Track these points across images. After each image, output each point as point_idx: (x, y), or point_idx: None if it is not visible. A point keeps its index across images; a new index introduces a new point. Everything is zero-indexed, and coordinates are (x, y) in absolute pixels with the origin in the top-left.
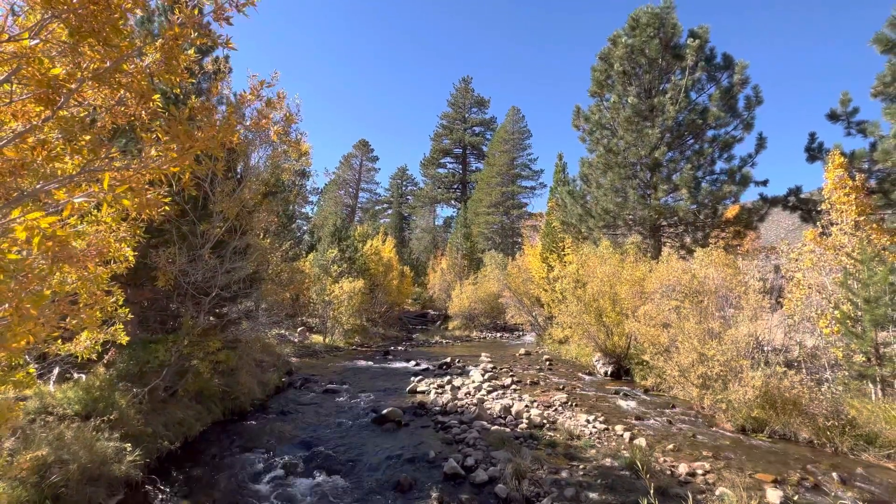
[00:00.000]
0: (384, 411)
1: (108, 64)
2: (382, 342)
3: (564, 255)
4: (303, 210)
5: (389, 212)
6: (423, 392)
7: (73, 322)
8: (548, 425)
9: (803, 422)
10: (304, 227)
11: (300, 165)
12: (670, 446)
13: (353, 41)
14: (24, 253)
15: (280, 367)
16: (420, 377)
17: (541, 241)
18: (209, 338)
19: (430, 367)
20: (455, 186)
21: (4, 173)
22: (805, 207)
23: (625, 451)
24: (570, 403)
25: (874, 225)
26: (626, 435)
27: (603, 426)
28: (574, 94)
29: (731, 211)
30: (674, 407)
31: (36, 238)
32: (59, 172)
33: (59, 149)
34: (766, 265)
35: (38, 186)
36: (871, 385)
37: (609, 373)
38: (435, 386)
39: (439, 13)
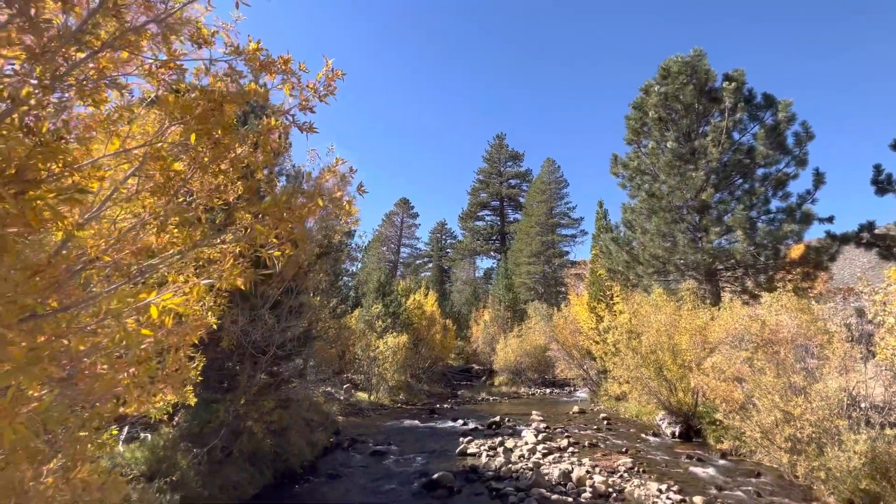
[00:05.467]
0: (435, 476)
1: (211, 155)
2: (427, 399)
3: (614, 304)
4: (349, 268)
5: (430, 266)
6: (473, 454)
7: (159, 387)
8: (615, 495)
9: None
10: (350, 284)
11: (349, 226)
12: None
13: (392, 107)
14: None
15: (328, 426)
16: (469, 438)
17: (587, 291)
18: (264, 397)
19: (479, 427)
20: (494, 238)
21: (128, 257)
22: (883, 244)
23: None
24: (636, 469)
25: None
26: None
27: (678, 497)
28: (608, 143)
29: (796, 251)
30: (759, 475)
31: (168, 318)
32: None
33: (173, 231)
34: (845, 308)
35: (148, 264)
36: None
37: (677, 433)
38: (486, 448)
39: (471, 76)
